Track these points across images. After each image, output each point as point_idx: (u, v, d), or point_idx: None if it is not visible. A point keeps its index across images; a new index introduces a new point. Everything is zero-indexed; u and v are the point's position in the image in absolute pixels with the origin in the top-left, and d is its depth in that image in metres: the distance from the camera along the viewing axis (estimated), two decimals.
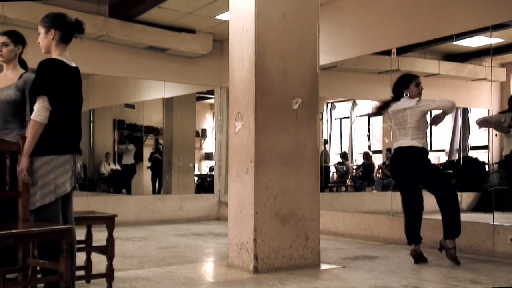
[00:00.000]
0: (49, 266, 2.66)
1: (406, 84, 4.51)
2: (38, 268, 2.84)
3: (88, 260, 3.49)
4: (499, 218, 4.97)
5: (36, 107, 2.73)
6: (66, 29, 2.88)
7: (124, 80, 8.86)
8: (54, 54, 2.87)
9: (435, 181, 4.43)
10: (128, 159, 9.90)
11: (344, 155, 9.71)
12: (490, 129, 7.90)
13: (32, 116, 2.74)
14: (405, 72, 4.93)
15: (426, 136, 4.51)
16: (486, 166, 7.66)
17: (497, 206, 5.14)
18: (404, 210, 4.53)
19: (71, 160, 2.81)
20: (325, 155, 9.32)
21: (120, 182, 9.77)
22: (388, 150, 8.48)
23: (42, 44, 2.90)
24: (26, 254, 2.78)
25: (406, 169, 4.46)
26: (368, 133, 9.92)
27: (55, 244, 2.57)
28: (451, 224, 4.27)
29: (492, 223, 4.87)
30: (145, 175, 9.86)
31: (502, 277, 3.89)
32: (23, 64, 3.35)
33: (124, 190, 9.70)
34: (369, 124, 9.86)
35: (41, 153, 2.74)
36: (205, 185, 10.44)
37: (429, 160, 4.56)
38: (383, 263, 4.44)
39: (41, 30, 2.89)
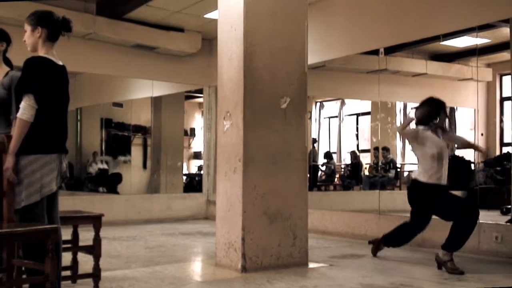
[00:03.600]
0: (34, 267, 2.63)
1: (436, 113, 4.27)
2: (23, 268, 2.81)
3: (74, 260, 3.46)
4: (485, 216, 4.99)
5: (22, 105, 2.70)
6: (53, 27, 2.85)
7: (112, 78, 8.80)
8: (41, 52, 2.84)
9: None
10: (116, 169, 9.84)
11: (327, 155, 9.68)
12: (476, 128, 7.99)
13: (18, 115, 2.71)
14: (431, 96, 4.37)
15: (428, 168, 4.16)
16: (472, 165, 7.74)
17: (482, 204, 5.19)
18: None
19: (57, 159, 2.79)
20: (314, 154, 9.33)
21: (105, 183, 9.70)
22: (376, 149, 8.55)
23: (28, 42, 2.87)
24: (11, 255, 2.75)
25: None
26: (356, 132, 9.97)
27: (40, 244, 2.55)
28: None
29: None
30: (133, 174, 9.82)
31: (487, 274, 3.93)
32: (8, 62, 3.30)
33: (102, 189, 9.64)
34: (357, 124, 9.92)
35: (27, 152, 2.70)
36: (193, 184, 10.41)
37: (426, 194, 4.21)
38: (370, 261, 4.47)
39: (28, 28, 2.86)
